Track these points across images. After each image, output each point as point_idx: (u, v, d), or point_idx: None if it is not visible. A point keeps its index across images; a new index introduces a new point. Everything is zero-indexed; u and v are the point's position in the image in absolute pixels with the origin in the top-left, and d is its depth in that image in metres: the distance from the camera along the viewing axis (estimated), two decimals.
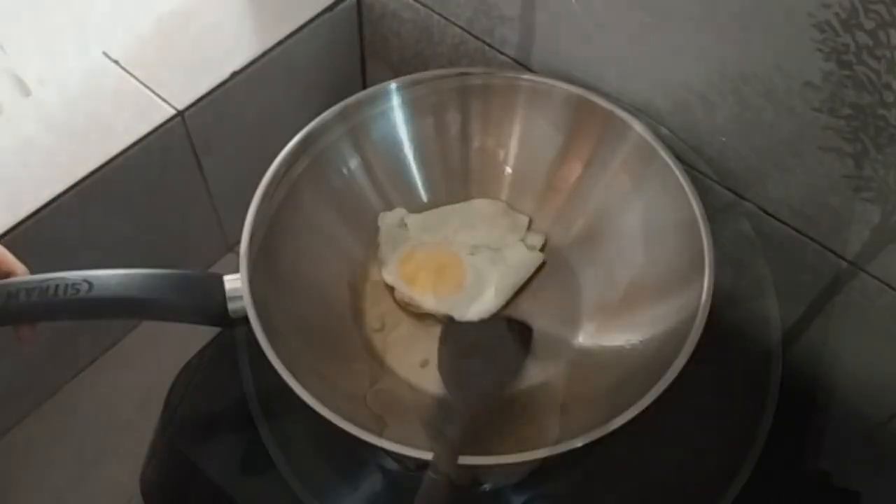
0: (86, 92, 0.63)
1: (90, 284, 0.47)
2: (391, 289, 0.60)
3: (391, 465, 0.55)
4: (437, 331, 0.59)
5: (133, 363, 0.70)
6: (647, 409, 0.45)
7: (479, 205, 0.64)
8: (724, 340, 0.50)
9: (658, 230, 0.56)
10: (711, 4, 0.49)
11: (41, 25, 0.67)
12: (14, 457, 0.66)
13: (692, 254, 0.52)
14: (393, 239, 0.62)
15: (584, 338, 0.57)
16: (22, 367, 0.64)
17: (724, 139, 0.54)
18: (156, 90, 0.63)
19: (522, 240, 0.62)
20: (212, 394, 0.62)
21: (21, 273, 0.48)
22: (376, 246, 0.62)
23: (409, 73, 0.62)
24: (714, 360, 0.48)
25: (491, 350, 0.57)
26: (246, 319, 0.50)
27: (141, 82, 0.64)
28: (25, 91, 0.67)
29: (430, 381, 0.56)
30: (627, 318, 0.56)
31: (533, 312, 0.59)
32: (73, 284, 0.47)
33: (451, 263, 0.61)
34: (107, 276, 0.48)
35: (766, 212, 0.56)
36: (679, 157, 0.55)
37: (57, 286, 0.47)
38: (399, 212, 0.63)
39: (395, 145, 0.63)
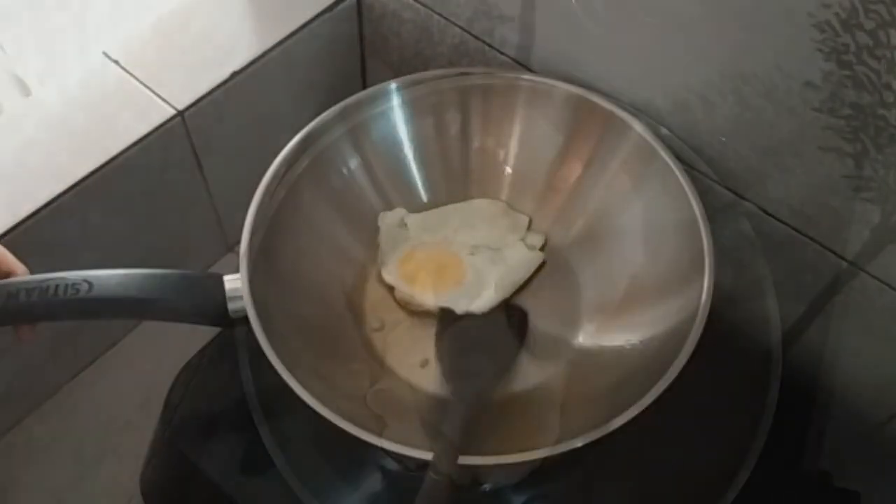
0: (86, 92, 0.63)
1: (90, 284, 0.47)
2: (391, 288, 0.60)
3: (391, 465, 0.55)
4: (437, 331, 0.59)
5: (133, 363, 0.71)
6: (647, 409, 0.45)
7: (479, 205, 0.64)
8: (724, 340, 0.50)
9: (658, 230, 0.56)
10: (711, 4, 0.49)
11: (41, 25, 0.67)
12: (14, 457, 0.66)
13: (692, 254, 0.52)
14: (393, 239, 0.62)
15: (584, 338, 0.57)
16: (22, 367, 0.64)
17: (724, 139, 0.54)
18: (156, 90, 0.63)
19: (522, 239, 0.62)
20: (212, 394, 0.62)
21: (21, 273, 0.48)
22: (376, 246, 0.62)
23: (409, 73, 0.62)
24: (714, 360, 0.48)
25: (488, 343, 0.57)
26: (246, 319, 0.50)
27: (141, 82, 0.64)
28: (25, 91, 0.67)
29: (430, 381, 0.56)
30: (627, 318, 0.56)
31: (533, 312, 0.59)
32: (73, 284, 0.47)
33: (451, 263, 0.61)
34: (107, 276, 0.48)
35: (766, 212, 0.56)
36: (679, 157, 0.55)
37: (57, 286, 0.47)
38: (399, 211, 0.63)
39: (395, 145, 0.63)
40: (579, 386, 0.55)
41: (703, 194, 0.54)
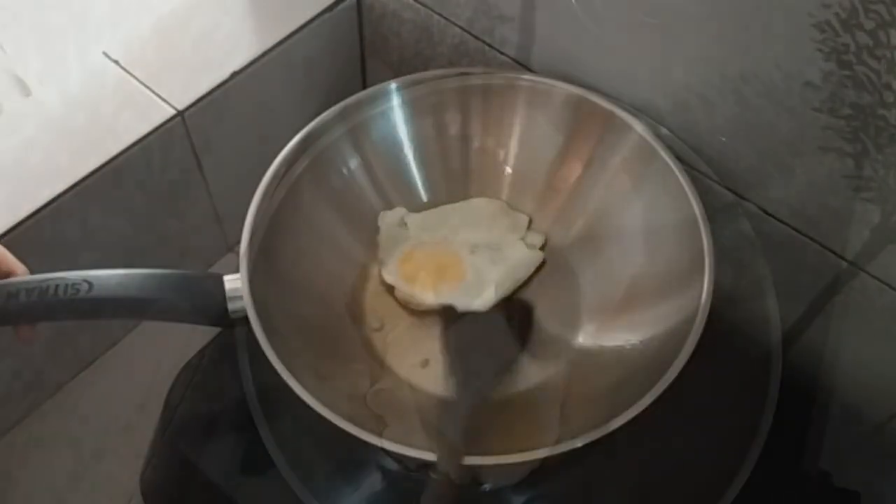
0: (86, 92, 0.63)
1: (90, 284, 0.47)
2: (391, 288, 0.60)
3: (391, 465, 0.55)
4: (437, 331, 0.59)
5: (133, 363, 0.70)
6: (647, 409, 0.45)
7: (479, 204, 0.64)
8: (724, 340, 0.50)
9: (658, 230, 0.56)
10: (711, 4, 0.49)
11: (41, 25, 0.67)
12: (14, 457, 0.66)
13: (692, 254, 0.52)
14: (393, 238, 0.62)
15: (584, 338, 0.57)
16: (22, 367, 0.64)
17: (724, 139, 0.54)
18: (156, 90, 0.63)
19: (522, 239, 0.62)
20: (212, 394, 0.62)
21: (21, 273, 0.48)
22: (376, 246, 0.62)
23: (409, 73, 0.62)
24: (714, 360, 0.48)
25: (493, 340, 0.57)
26: (246, 319, 0.50)
27: (141, 82, 0.64)
28: (25, 91, 0.67)
29: (430, 381, 0.56)
30: (627, 318, 0.56)
31: (534, 311, 0.59)
32: (73, 284, 0.47)
33: (452, 262, 0.61)
34: (107, 276, 0.48)
35: (766, 212, 0.56)
36: (679, 157, 0.55)
37: (57, 286, 0.47)
38: (399, 211, 0.63)
39: (395, 145, 0.63)
40: (579, 386, 0.55)
41: (703, 194, 0.54)
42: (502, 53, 0.64)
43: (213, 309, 0.51)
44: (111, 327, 0.71)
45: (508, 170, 0.64)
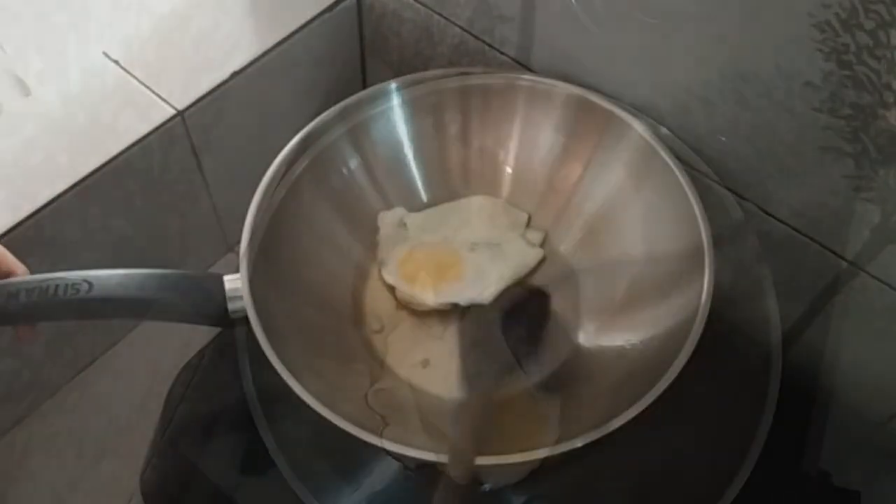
0: (86, 92, 0.63)
1: (90, 284, 0.47)
2: (391, 288, 0.60)
3: (391, 464, 0.55)
4: (437, 331, 0.59)
5: (133, 363, 0.70)
6: (647, 409, 0.45)
7: (478, 202, 0.64)
8: (724, 340, 0.50)
9: (658, 230, 0.56)
10: (711, 4, 0.49)
11: (41, 25, 0.67)
12: (14, 457, 0.66)
13: (692, 254, 0.52)
14: (392, 239, 0.62)
15: (584, 338, 0.57)
16: (22, 367, 0.64)
17: (723, 139, 0.54)
18: (156, 90, 0.63)
19: (522, 236, 0.62)
20: (212, 394, 0.62)
21: (21, 273, 0.48)
22: (376, 246, 0.62)
23: (409, 73, 0.62)
24: (714, 360, 0.48)
25: (502, 332, 0.57)
26: (246, 319, 0.50)
27: (141, 82, 0.63)
28: (25, 91, 0.67)
29: (430, 381, 0.56)
30: (627, 318, 0.56)
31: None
32: (73, 284, 0.47)
33: (451, 261, 0.61)
34: (107, 276, 0.48)
35: (766, 212, 0.56)
36: (679, 157, 0.55)
37: (57, 286, 0.47)
38: (398, 211, 0.63)
39: (395, 145, 0.63)
40: (579, 386, 0.55)
41: (703, 194, 0.54)
42: (502, 53, 0.64)
43: (213, 309, 0.51)
44: (111, 327, 0.71)
45: (508, 170, 0.64)
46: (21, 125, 0.61)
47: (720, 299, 0.50)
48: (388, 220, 0.63)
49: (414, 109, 0.62)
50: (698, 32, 0.51)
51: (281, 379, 0.47)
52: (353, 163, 0.62)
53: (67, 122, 0.61)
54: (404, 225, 0.63)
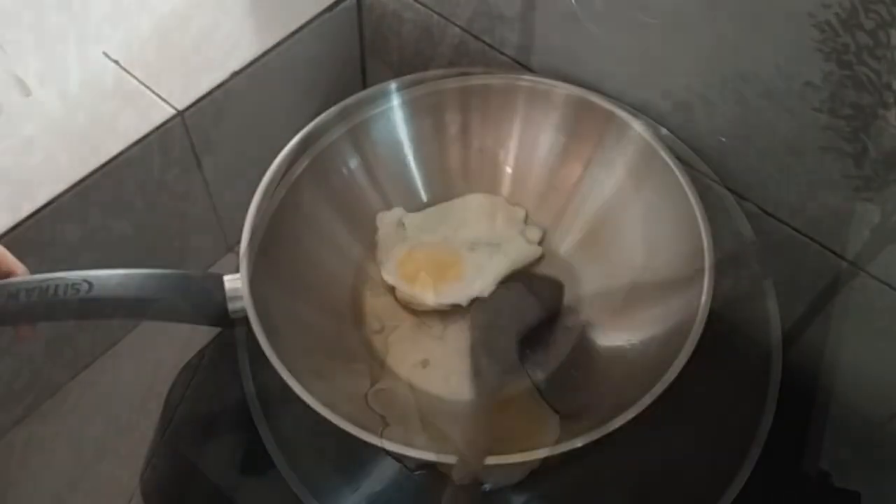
0: (86, 92, 0.63)
1: (90, 284, 0.47)
2: (391, 288, 0.60)
3: (391, 465, 0.55)
4: (437, 331, 0.59)
5: (133, 363, 0.70)
6: (647, 409, 0.45)
7: (475, 199, 0.64)
8: (724, 340, 0.50)
9: (658, 230, 0.56)
10: (711, 4, 0.49)
11: (41, 25, 0.67)
12: (14, 457, 0.66)
13: (692, 254, 0.52)
14: (392, 239, 0.62)
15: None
16: (22, 367, 0.64)
17: (723, 139, 0.54)
18: (156, 90, 0.63)
19: (521, 234, 0.62)
20: (212, 394, 0.62)
21: (21, 273, 0.48)
22: (376, 246, 0.62)
23: (409, 73, 0.62)
24: (714, 360, 0.48)
25: (510, 321, 0.57)
26: (246, 319, 0.50)
27: (141, 82, 0.63)
28: (25, 91, 0.67)
29: (430, 381, 0.56)
30: (627, 318, 0.56)
31: None
32: (73, 284, 0.47)
33: (451, 261, 0.61)
34: (107, 276, 0.48)
35: (766, 212, 0.56)
36: (679, 157, 0.55)
37: (57, 286, 0.47)
38: (397, 211, 0.63)
39: (395, 145, 0.63)
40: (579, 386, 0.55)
41: (703, 194, 0.54)
42: (502, 53, 0.64)
43: (213, 309, 0.51)
44: (111, 327, 0.71)
45: (508, 170, 0.64)
46: (21, 125, 0.61)
47: (720, 299, 0.50)
48: (386, 220, 0.63)
49: (414, 109, 0.62)
50: (698, 32, 0.51)
51: (281, 379, 0.47)
52: (353, 163, 0.61)
53: (67, 122, 0.61)
54: (403, 225, 0.63)
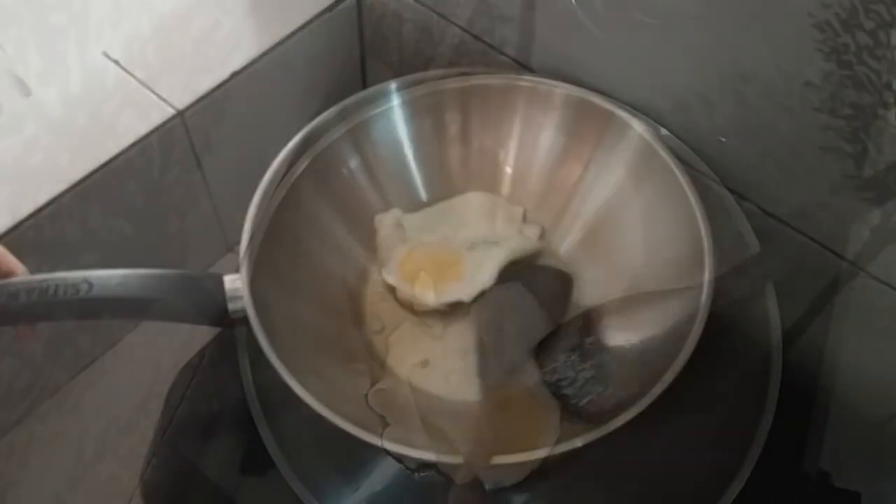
0: (86, 92, 0.63)
1: (90, 284, 0.47)
2: (392, 289, 0.60)
3: (391, 465, 0.55)
4: (437, 331, 0.59)
5: (133, 363, 0.70)
6: (647, 409, 0.45)
7: (475, 198, 0.64)
8: (724, 340, 0.50)
9: (658, 230, 0.56)
10: (711, 4, 0.49)
11: (41, 25, 0.67)
12: (14, 457, 0.66)
13: (692, 254, 0.52)
14: (391, 239, 0.62)
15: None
16: (22, 367, 0.64)
17: (723, 139, 0.54)
18: (156, 90, 0.63)
19: (520, 232, 0.62)
20: (212, 394, 0.62)
21: (21, 273, 0.48)
22: (376, 246, 0.62)
23: (409, 73, 0.62)
24: (714, 360, 0.48)
25: (517, 319, 0.57)
26: (246, 319, 0.50)
27: (141, 82, 0.63)
28: (26, 91, 0.67)
29: (430, 381, 0.56)
30: (627, 318, 0.56)
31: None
32: (73, 284, 0.47)
33: (451, 261, 0.61)
34: (107, 276, 0.48)
35: (766, 212, 0.56)
36: (679, 157, 0.55)
37: (57, 286, 0.47)
38: (395, 213, 0.63)
39: (395, 145, 0.63)
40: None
41: (703, 194, 0.54)
42: (502, 54, 0.64)
43: (213, 309, 0.51)
44: (111, 327, 0.71)
45: (508, 170, 0.64)
46: (21, 125, 0.61)
47: (720, 299, 0.50)
48: (385, 221, 0.63)
49: (414, 110, 0.62)
50: (698, 32, 0.51)
51: (281, 379, 0.47)
52: (353, 163, 0.62)
53: (67, 122, 0.61)
54: (401, 226, 0.63)
